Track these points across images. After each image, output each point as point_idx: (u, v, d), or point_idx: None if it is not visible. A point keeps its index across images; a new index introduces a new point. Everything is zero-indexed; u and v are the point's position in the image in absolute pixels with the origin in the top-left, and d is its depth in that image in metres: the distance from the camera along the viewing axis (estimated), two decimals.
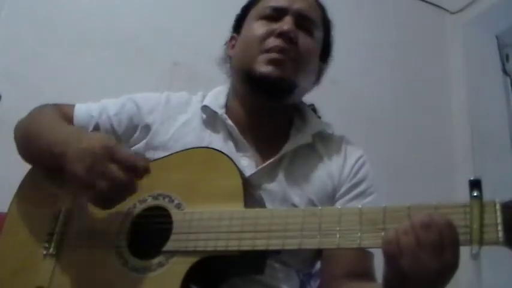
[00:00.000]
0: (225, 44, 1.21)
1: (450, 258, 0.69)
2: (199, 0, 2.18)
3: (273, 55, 1.04)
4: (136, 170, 0.85)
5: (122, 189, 0.84)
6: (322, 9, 1.17)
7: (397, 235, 0.70)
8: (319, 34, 1.14)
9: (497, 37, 2.54)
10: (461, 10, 2.55)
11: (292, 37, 1.05)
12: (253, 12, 1.14)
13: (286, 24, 1.06)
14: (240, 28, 1.17)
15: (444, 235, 0.69)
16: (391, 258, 0.71)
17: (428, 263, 0.69)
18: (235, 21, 1.21)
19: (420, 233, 0.69)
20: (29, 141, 1.05)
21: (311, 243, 0.77)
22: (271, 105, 1.10)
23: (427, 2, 2.60)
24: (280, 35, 1.05)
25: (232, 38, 1.20)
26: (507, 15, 2.39)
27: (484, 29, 2.49)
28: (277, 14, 1.10)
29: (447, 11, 2.61)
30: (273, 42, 1.06)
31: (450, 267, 0.70)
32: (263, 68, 1.04)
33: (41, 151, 0.99)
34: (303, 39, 1.08)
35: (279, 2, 1.11)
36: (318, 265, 1.08)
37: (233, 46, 1.18)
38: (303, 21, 1.09)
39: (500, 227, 0.68)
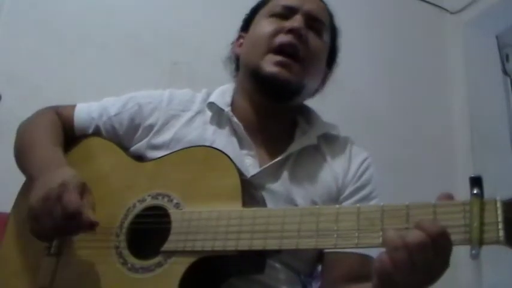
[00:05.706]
0: (231, 44, 1.20)
1: (443, 263, 0.69)
2: (199, 0, 2.18)
3: (282, 58, 1.03)
4: (80, 221, 0.84)
5: (63, 232, 0.87)
6: (330, 15, 1.17)
7: (390, 253, 0.68)
8: (327, 37, 1.13)
9: (497, 37, 2.54)
10: (461, 10, 2.56)
11: (302, 34, 1.04)
12: (263, 11, 1.14)
13: (296, 21, 1.05)
14: (248, 27, 1.16)
15: (437, 245, 0.67)
16: (383, 276, 0.71)
17: (422, 273, 0.68)
18: (243, 21, 1.20)
19: (414, 250, 0.67)
20: (18, 154, 1.08)
21: (308, 244, 0.76)
22: (276, 105, 1.09)
23: (427, 2, 2.60)
24: (290, 31, 1.04)
25: (239, 37, 1.19)
26: (507, 15, 2.40)
27: (484, 29, 2.49)
28: (287, 13, 1.09)
29: (447, 11, 2.61)
30: (282, 38, 1.05)
31: (443, 270, 0.70)
32: (270, 67, 1.03)
33: (22, 169, 1.05)
34: (313, 39, 1.07)
35: (289, 1, 1.10)
36: (320, 267, 1.08)
37: (240, 44, 1.17)
38: (313, 22, 1.09)
39: (501, 226, 0.65)
